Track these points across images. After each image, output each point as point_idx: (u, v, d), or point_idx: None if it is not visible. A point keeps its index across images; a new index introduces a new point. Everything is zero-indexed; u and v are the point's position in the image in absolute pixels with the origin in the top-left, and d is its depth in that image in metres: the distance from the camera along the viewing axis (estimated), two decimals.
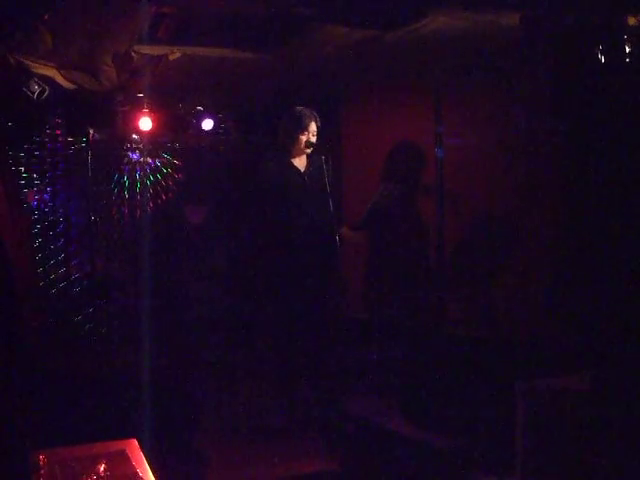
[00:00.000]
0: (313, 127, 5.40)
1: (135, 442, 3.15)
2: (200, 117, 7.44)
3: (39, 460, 2.89)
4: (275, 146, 5.61)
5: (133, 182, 7.82)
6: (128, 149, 7.77)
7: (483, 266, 6.14)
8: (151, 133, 7.28)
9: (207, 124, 7.47)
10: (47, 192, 7.45)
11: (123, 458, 2.98)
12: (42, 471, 2.83)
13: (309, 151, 5.44)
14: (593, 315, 4.75)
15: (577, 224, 5.24)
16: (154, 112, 7.06)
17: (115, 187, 7.77)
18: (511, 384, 3.93)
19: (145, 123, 7.02)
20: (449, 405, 5.21)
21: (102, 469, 2.86)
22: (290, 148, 5.45)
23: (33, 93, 5.60)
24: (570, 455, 3.52)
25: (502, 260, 5.99)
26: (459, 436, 4.90)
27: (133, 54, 5.29)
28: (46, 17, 4.36)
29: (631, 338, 3.87)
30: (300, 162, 5.51)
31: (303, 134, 5.38)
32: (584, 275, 5.09)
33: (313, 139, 5.41)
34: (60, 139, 7.44)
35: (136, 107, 6.97)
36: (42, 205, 7.43)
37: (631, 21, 4.25)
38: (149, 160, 7.88)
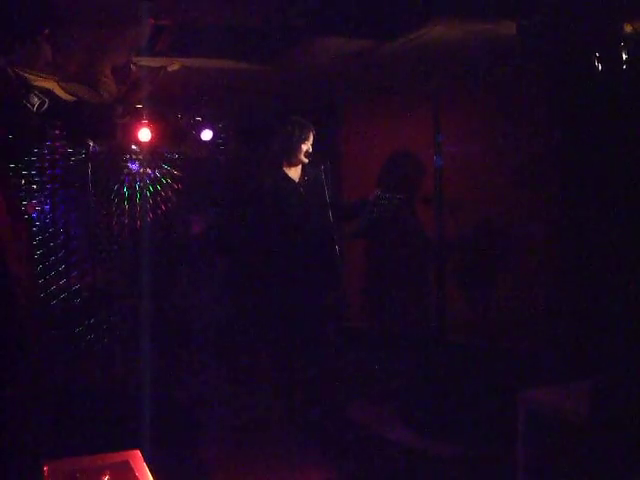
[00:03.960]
0: (311, 136, 5.41)
1: (138, 453, 3.16)
2: (199, 128, 7.46)
3: (44, 472, 2.90)
4: (269, 157, 5.59)
5: (133, 193, 7.85)
6: (127, 160, 7.80)
7: (483, 273, 6.16)
8: (150, 144, 7.30)
9: (206, 135, 7.49)
10: (47, 204, 7.47)
11: (127, 469, 2.99)
12: None
13: (307, 161, 5.44)
14: (593, 322, 4.77)
15: (576, 231, 5.25)
16: (153, 123, 7.08)
17: (115, 198, 7.79)
18: (512, 392, 3.93)
19: (144, 134, 7.04)
20: (449, 413, 5.22)
21: None
22: (289, 158, 5.43)
23: (33, 105, 5.61)
24: (572, 463, 3.53)
25: (501, 268, 6.00)
26: (460, 445, 4.90)
27: (132, 66, 5.31)
28: (47, 31, 4.39)
29: (632, 344, 3.88)
30: (295, 172, 5.50)
31: (304, 144, 5.38)
32: (583, 282, 5.10)
33: (310, 148, 5.42)
34: (60, 151, 7.47)
35: (135, 118, 6.99)
36: (42, 217, 7.44)
37: (627, 28, 4.27)
38: (149, 171, 7.91)
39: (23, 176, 7.24)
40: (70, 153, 7.48)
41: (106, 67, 5.33)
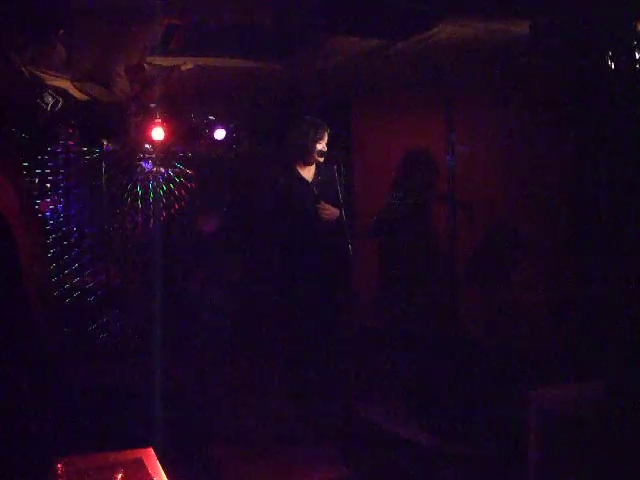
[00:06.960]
0: (326, 136, 5.41)
1: (151, 451, 3.17)
2: (212, 127, 7.48)
3: (57, 469, 2.91)
4: (282, 156, 5.59)
5: (146, 192, 7.88)
6: (141, 159, 7.83)
7: (496, 273, 6.14)
8: (164, 143, 7.32)
9: (219, 134, 7.50)
10: (61, 202, 7.50)
11: (140, 467, 3.00)
12: None
13: (322, 160, 5.43)
14: (606, 322, 4.75)
15: (589, 231, 5.24)
16: (166, 122, 7.10)
17: (128, 197, 7.81)
18: (524, 391, 3.93)
19: (158, 133, 7.06)
20: (461, 412, 5.21)
21: (119, 478, 2.89)
22: (304, 157, 5.43)
23: (47, 104, 5.65)
24: (583, 464, 3.52)
25: (514, 268, 5.99)
26: (471, 444, 4.90)
27: (145, 65, 5.32)
28: (61, 31, 4.41)
29: None
30: (308, 172, 5.50)
31: (319, 143, 5.38)
32: (598, 282, 5.09)
33: (325, 148, 5.42)
34: (73, 150, 7.50)
35: (149, 117, 7.02)
36: (56, 215, 7.48)
37: None
38: (162, 170, 7.93)
39: (37, 175, 7.27)
40: (84, 152, 7.52)
41: (120, 66, 5.35)
